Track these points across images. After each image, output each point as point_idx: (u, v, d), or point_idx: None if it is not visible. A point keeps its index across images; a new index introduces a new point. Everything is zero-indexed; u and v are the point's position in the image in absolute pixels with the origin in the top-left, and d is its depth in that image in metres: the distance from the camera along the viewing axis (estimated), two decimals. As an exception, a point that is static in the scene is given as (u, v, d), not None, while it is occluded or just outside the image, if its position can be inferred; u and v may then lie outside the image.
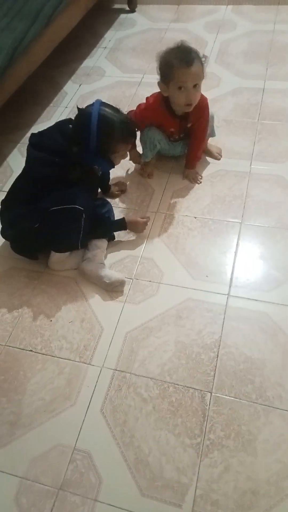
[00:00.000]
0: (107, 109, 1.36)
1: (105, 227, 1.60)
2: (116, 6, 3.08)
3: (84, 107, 1.39)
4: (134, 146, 1.73)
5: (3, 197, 1.56)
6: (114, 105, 1.41)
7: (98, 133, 1.32)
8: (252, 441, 1.15)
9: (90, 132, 1.31)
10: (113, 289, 1.49)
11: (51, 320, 1.45)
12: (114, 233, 1.63)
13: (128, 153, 1.61)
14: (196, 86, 1.51)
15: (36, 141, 1.43)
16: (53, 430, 1.21)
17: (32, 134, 1.46)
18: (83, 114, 1.35)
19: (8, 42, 1.85)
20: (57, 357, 1.36)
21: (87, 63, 2.60)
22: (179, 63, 1.47)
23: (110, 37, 2.79)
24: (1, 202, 1.56)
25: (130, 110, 1.75)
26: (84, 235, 1.48)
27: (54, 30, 2.19)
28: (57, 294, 1.52)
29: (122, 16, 2.98)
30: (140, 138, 1.75)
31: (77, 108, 1.40)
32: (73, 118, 1.42)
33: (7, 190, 1.56)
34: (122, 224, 1.61)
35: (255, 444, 1.14)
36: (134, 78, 2.41)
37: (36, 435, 1.21)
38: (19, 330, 1.43)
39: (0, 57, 1.79)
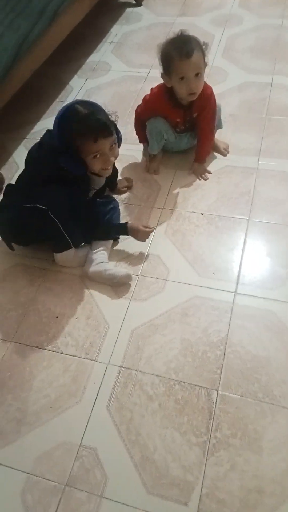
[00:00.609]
0: (77, 104, 1.28)
1: (104, 229, 1.57)
2: (122, 0, 3.05)
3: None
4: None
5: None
6: (96, 103, 1.34)
7: (59, 124, 1.27)
8: (258, 440, 1.14)
9: (53, 129, 1.29)
10: (120, 284, 1.49)
11: (56, 317, 1.45)
12: (121, 216, 1.64)
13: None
14: (198, 74, 1.50)
15: (42, 138, 1.45)
16: (59, 427, 1.21)
17: (47, 130, 1.46)
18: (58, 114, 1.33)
19: (12, 41, 1.84)
20: (63, 354, 1.36)
21: (93, 58, 2.59)
22: (178, 55, 1.47)
23: (116, 31, 2.77)
24: (6, 186, 1.60)
25: (138, 105, 1.74)
26: (72, 233, 1.46)
27: (59, 27, 2.18)
28: (62, 291, 1.52)
29: (128, 10, 2.95)
30: (147, 130, 1.74)
31: None
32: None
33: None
34: (123, 229, 1.55)
35: (261, 443, 1.14)
36: (140, 73, 2.39)
37: (42, 432, 1.21)
38: (24, 327, 1.44)
39: (4, 56, 1.78)
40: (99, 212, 1.60)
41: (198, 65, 1.49)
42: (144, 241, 1.56)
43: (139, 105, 1.75)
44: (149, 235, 1.56)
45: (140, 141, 1.87)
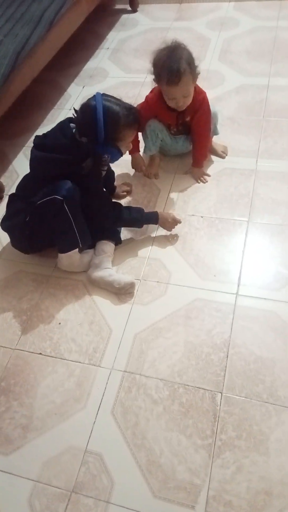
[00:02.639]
0: (109, 99, 1.39)
1: (139, 215, 1.59)
2: (118, 6, 3.08)
3: (85, 101, 1.41)
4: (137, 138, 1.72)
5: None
6: (111, 95, 1.43)
7: (105, 123, 1.34)
8: (264, 441, 1.14)
9: (97, 123, 1.34)
10: (124, 292, 1.49)
11: (60, 323, 1.46)
12: (121, 237, 1.64)
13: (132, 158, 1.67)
14: (186, 95, 1.54)
15: (40, 143, 1.46)
16: (65, 433, 1.22)
17: (36, 136, 1.49)
18: (88, 107, 1.37)
19: (11, 48, 1.86)
20: (67, 360, 1.36)
21: (90, 64, 2.61)
22: (166, 80, 1.49)
23: (113, 38, 2.79)
24: (9, 195, 1.59)
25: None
26: (82, 231, 1.47)
27: (57, 34, 2.20)
28: (65, 297, 1.52)
29: (124, 16, 2.98)
30: (142, 134, 1.75)
31: (74, 110, 1.42)
32: (72, 117, 1.44)
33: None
34: (154, 218, 1.60)
35: (267, 444, 1.14)
36: (137, 79, 2.41)
37: (48, 438, 1.21)
38: (28, 334, 1.44)
39: (3, 63, 1.80)
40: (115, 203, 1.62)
41: (186, 89, 1.53)
42: (170, 230, 1.63)
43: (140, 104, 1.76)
44: (176, 224, 1.62)
45: (130, 152, 1.86)
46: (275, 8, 2.74)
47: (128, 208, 1.60)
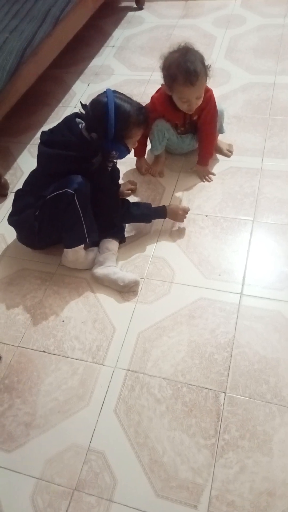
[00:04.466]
0: (120, 96, 1.40)
1: (146, 210, 1.60)
2: (124, 4, 3.07)
3: (96, 96, 1.41)
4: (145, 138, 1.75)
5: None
6: (122, 93, 1.44)
7: (116, 120, 1.35)
8: (268, 442, 1.14)
9: (108, 119, 1.34)
10: (128, 290, 1.49)
11: (63, 321, 1.45)
12: (125, 235, 1.63)
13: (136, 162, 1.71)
14: (199, 97, 1.53)
15: (46, 139, 1.47)
16: (68, 431, 1.22)
17: (43, 132, 1.49)
18: (99, 103, 1.37)
19: (17, 45, 1.86)
20: (70, 358, 1.36)
21: (96, 62, 2.60)
22: (183, 81, 1.47)
23: (118, 35, 2.78)
24: (17, 191, 1.59)
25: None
26: (90, 227, 1.47)
27: (62, 31, 2.19)
28: (69, 295, 1.52)
29: (130, 14, 2.97)
30: (149, 133, 1.75)
31: (81, 105, 1.43)
32: (79, 112, 1.45)
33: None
34: (162, 212, 1.61)
35: (270, 444, 1.13)
36: (143, 76, 2.40)
37: (51, 436, 1.21)
38: (32, 331, 1.44)
39: (9, 60, 1.80)
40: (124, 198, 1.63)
41: (201, 90, 1.52)
42: (183, 221, 1.63)
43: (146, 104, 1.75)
44: (187, 213, 1.63)
45: (135, 154, 1.87)
46: (282, 5, 2.72)
47: (136, 204, 1.62)
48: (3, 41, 1.87)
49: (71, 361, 1.35)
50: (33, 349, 1.40)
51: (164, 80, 1.54)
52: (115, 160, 1.53)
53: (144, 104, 1.74)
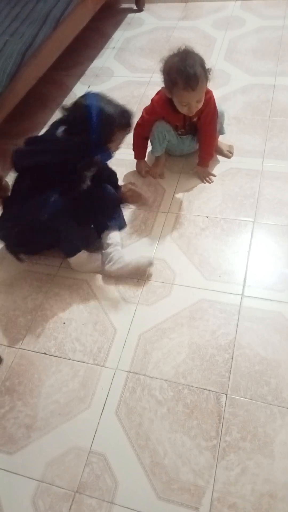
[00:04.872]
0: (103, 99, 1.37)
1: (105, 209, 1.60)
2: (124, 5, 3.07)
3: (77, 99, 1.39)
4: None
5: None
6: (105, 94, 1.42)
7: (98, 124, 1.32)
8: (269, 444, 1.13)
9: (91, 123, 1.31)
10: (144, 271, 1.51)
11: (64, 323, 1.45)
12: (126, 221, 1.65)
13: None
14: (200, 100, 1.53)
15: (28, 146, 1.45)
16: (69, 433, 1.22)
17: (26, 139, 1.46)
18: (80, 106, 1.35)
19: (17, 47, 1.86)
20: (71, 360, 1.36)
21: (96, 64, 2.61)
22: (183, 85, 1.47)
23: (118, 37, 2.79)
24: (5, 201, 1.59)
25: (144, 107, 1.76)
26: (78, 237, 1.48)
27: (62, 33, 2.20)
28: (69, 297, 1.52)
29: (130, 15, 2.97)
30: (150, 136, 1.75)
31: (63, 108, 1.39)
32: (63, 119, 1.41)
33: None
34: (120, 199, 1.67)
35: (272, 446, 1.13)
36: (143, 78, 2.40)
37: (52, 438, 1.21)
38: (32, 333, 1.44)
39: (9, 62, 1.80)
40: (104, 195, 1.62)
41: (201, 94, 1.51)
42: (146, 202, 1.73)
43: (146, 107, 1.76)
44: (140, 197, 1.72)
45: (135, 157, 1.87)
46: (282, 7, 2.72)
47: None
48: (3, 43, 1.88)
49: (72, 363, 1.35)
50: (34, 351, 1.40)
51: (164, 84, 1.54)
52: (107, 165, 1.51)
53: (144, 106, 1.76)
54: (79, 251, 1.51)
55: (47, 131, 1.48)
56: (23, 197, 1.47)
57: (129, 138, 1.85)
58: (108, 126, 1.35)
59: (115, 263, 1.51)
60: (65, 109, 1.39)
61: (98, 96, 1.37)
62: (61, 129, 1.39)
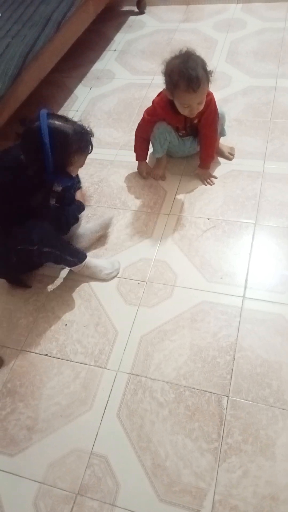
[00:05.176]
0: (55, 121, 1.22)
1: (72, 220, 1.59)
2: (125, 8, 3.08)
3: (27, 121, 1.24)
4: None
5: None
6: (60, 114, 1.30)
7: (52, 148, 1.19)
8: (271, 446, 1.13)
9: (44, 149, 1.18)
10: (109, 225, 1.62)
11: (65, 325, 1.46)
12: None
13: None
14: (201, 102, 1.54)
15: None
16: (70, 435, 1.22)
17: None
18: (31, 131, 1.20)
19: (19, 50, 1.87)
20: (73, 362, 1.36)
21: (97, 66, 2.61)
22: (185, 88, 1.47)
23: (120, 39, 2.79)
24: None
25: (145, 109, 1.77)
26: (74, 253, 1.49)
27: (64, 36, 2.20)
28: (71, 299, 1.52)
29: (131, 18, 2.98)
30: (151, 134, 1.75)
31: (20, 122, 1.26)
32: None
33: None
34: (79, 207, 1.65)
35: (273, 448, 1.13)
36: (144, 80, 2.41)
37: (53, 440, 1.21)
38: (34, 335, 1.44)
39: (11, 65, 1.81)
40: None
41: (202, 96, 1.52)
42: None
43: (147, 108, 1.76)
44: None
45: (137, 158, 1.88)
46: (283, 9, 2.73)
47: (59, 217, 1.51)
48: (5, 46, 1.89)
49: (74, 364, 1.35)
50: (35, 353, 1.40)
51: (166, 86, 1.55)
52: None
53: (145, 108, 1.76)
54: (76, 265, 1.51)
55: (4, 153, 1.36)
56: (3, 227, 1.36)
57: (131, 140, 1.86)
58: (63, 149, 1.22)
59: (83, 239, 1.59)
60: (22, 122, 1.25)
61: (50, 116, 1.22)
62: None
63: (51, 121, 1.21)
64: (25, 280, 1.58)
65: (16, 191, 1.29)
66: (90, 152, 1.34)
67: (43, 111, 1.22)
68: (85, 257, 1.52)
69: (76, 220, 1.62)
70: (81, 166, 1.37)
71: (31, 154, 1.23)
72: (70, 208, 1.54)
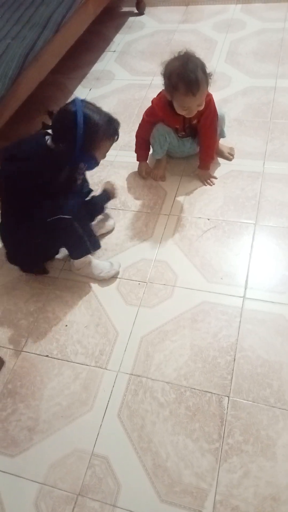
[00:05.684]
0: (90, 107, 1.35)
1: (98, 208, 1.62)
2: (125, 9, 3.09)
3: (63, 106, 1.35)
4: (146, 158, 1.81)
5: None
6: (92, 102, 1.39)
7: (85, 130, 1.29)
8: (272, 446, 1.13)
9: (77, 129, 1.28)
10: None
11: (66, 325, 1.46)
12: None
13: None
14: (200, 104, 1.54)
15: (10, 156, 1.39)
16: (71, 436, 1.22)
17: (5, 149, 1.42)
18: (67, 112, 1.31)
19: (19, 51, 1.87)
20: (73, 362, 1.36)
21: (97, 67, 2.61)
22: (185, 91, 1.47)
23: (119, 40, 2.80)
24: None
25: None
26: (89, 238, 1.48)
27: (64, 37, 2.21)
28: (71, 299, 1.52)
29: (131, 19, 2.98)
30: (151, 135, 1.76)
31: (48, 113, 1.36)
32: (48, 131, 1.36)
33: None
34: (105, 195, 1.67)
35: (274, 449, 1.13)
36: (144, 81, 2.41)
37: (54, 441, 1.21)
38: (34, 336, 1.44)
39: (11, 66, 1.81)
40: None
41: (202, 98, 1.52)
42: (117, 196, 1.75)
43: (147, 109, 1.76)
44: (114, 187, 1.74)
45: (137, 159, 1.89)
46: (282, 10, 2.73)
47: (87, 202, 1.59)
48: (5, 47, 1.89)
49: (74, 365, 1.35)
50: (36, 354, 1.40)
51: (165, 88, 1.54)
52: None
53: (145, 109, 1.76)
54: (88, 254, 1.52)
55: (28, 140, 1.43)
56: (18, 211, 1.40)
57: (131, 140, 1.87)
58: (93, 133, 1.32)
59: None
60: (50, 113, 1.35)
61: (84, 103, 1.34)
62: (48, 139, 1.36)
63: (85, 106, 1.33)
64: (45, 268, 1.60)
65: (44, 172, 1.35)
66: (116, 140, 1.43)
67: (78, 98, 1.34)
68: (100, 247, 1.55)
69: (102, 209, 1.64)
70: (106, 152, 1.45)
71: (63, 133, 1.33)
72: (95, 198, 1.64)
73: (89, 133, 1.31)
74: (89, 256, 1.53)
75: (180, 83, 1.46)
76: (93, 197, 1.65)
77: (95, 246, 1.52)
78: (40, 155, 1.35)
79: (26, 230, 1.41)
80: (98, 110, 1.36)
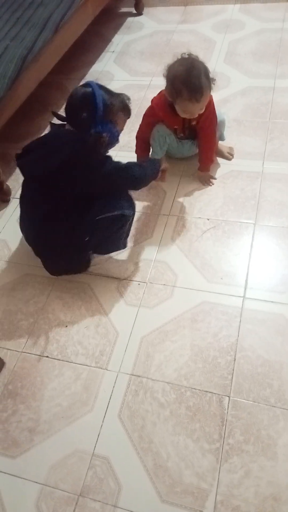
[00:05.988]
0: (100, 85, 1.44)
1: (150, 165, 1.60)
2: (123, 9, 3.09)
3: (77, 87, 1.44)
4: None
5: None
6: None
7: (100, 102, 1.37)
8: (272, 446, 1.13)
9: (96, 99, 1.36)
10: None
11: (66, 326, 1.46)
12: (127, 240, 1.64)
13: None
14: (202, 108, 1.54)
15: (40, 156, 1.40)
16: (72, 436, 1.22)
17: (24, 157, 1.47)
18: (82, 87, 1.41)
19: (18, 52, 1.87)
20: (74, 363, 1.36)
21: (96, 67, 2.61)
22: (188, 97, 1.47)
23: (118, 41, 2.80)
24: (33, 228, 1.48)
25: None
26: (126, 236, 1.56)
27: (63, 37, 2.21)
28: (71, 300, 1.52)
29: (130, 19, 2.98)
30: (151, 135, 1.76)
31: (54, 114, 1.48)
32: (61, 127, 1.46)
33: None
34: (158, 162, 1.67)
35: (275, 448, 1.13)
36: (143, 81, 2.41)
37: (55, 441, 1.21)
38: (35, 337, 1.44)
39: (10, 67, 1.81)
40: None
41: (205, 103, 1.52)
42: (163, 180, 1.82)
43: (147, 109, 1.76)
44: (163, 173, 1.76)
45: (137, 160, 1.87)
46: (281, 10, 2.73)
47: (138, 165, 1.57)
48: (4, 48, 1.89)
49: (75, 366, 1.35)
50: (36, 355, 1.40)
51: (168, 92, 1.53)
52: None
53: (144, 109, 1.76)
54: (120, 249, 1.57)
55: (47, 137, 1.50)
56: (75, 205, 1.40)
57: (131, 141, 1.87)
58: (109, 105, 1.39)
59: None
60: (56, 115, 1.46)
61: (95, 82, 1.43)
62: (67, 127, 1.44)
63: (98, 84, 1.42)
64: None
65: (80, 151, 1.38)
66: (129, 117, 1.51)
67: (91, 81, 1.43)
68: (126, 247, 1.59)
69: (157, 173, 1.62)
70: (123, 126, 1.51)
71: (82, 103, 1.39)
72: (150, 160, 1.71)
73: (104, 104, 1.38)
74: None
75: (184, 89, 1.46)
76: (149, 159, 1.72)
77: (125, 244, 1.57)
78: (68, 139, 1.41)
79: (74, 230, 1.40)
80: (110, 90, 1.45)
